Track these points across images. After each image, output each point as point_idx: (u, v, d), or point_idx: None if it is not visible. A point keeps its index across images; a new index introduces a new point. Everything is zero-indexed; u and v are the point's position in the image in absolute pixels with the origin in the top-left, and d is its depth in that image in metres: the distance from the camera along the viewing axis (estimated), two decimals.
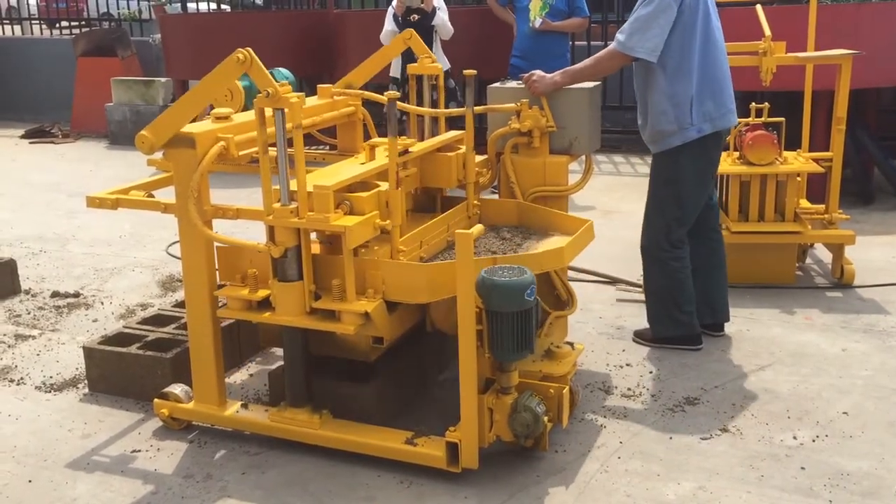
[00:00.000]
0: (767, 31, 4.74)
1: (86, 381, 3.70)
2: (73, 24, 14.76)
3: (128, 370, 3.58)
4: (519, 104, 3.54)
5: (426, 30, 7.01)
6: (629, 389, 3.55)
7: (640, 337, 4.03)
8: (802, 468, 2.96)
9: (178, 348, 3.59)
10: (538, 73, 3.61)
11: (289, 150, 2.84)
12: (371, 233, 2.88)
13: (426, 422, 3.21)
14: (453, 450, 2.87)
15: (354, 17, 8.56)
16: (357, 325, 2.89)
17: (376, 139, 3.36)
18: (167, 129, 2.97)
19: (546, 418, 2.90)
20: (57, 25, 16.14)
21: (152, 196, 3.33)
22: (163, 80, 9.92)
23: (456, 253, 2.71)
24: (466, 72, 3.42)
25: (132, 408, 3.52)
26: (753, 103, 4.85)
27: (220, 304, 3.20)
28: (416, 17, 6.91)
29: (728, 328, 4.10)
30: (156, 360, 3.54)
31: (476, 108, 3.50)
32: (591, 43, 9.39)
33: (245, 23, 8.35)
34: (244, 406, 3.26)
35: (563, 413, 3.00)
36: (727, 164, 4.74)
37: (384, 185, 2.99)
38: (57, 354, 4.05)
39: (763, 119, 4.77)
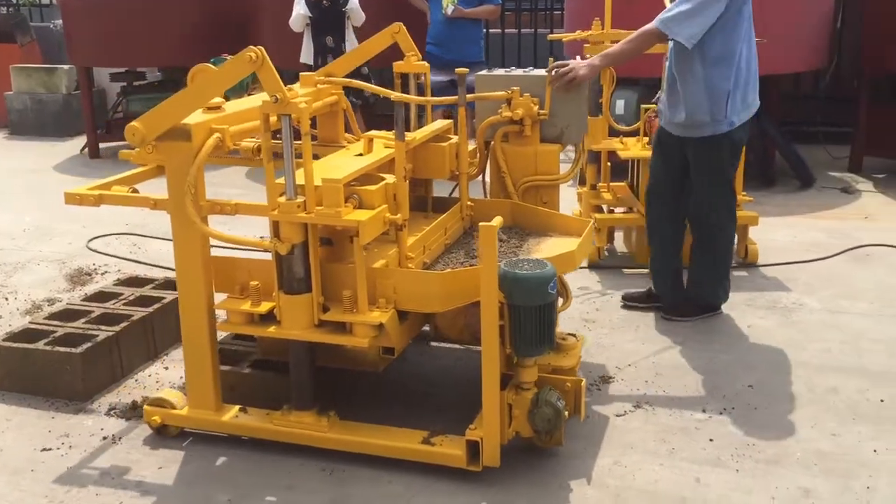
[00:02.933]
0: None
1: None
2: None
3: (35, 367, 3.46)
4: (510, 92, 3.48)
5: (338, 15, 6.95)
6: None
7: (673, 314, 4.10)
8: (711, 440, 3.08)
9: (89, 343, 3.49)
10: (573, 62, 3.58)
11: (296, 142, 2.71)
12: (381, 227, 2.76)
13: (399, 420, 3.08)
14: (473, 448, 2.80)
15: (268, 1, 8.39)
16: (371, 337, 2.77)
17: (374, 132, 3.24)
18: (162, 121, 2.79)
19: (566, 412, 2.86)
20: None
21: (136, 191, 3.14)
22: (65, 67, 9.56)
23: (479, 246, 2.63)
24: (459, 70, 3.32)
25: (41, 405, 3.40)
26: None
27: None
28: (328, 2, 6.83)
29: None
30: (65, 355, 3.43)
31: (468, 95, 3.37)
32: (506, 31, 9.48)
33: (152, 7, 8.07)
34: (243, 410, 3.09)
35: (581, 406, 2.98)
36: (637, 148, 4.87)
37: (390, 178, 2.87)
38: None
39: None
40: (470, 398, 3.25)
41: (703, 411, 3.28)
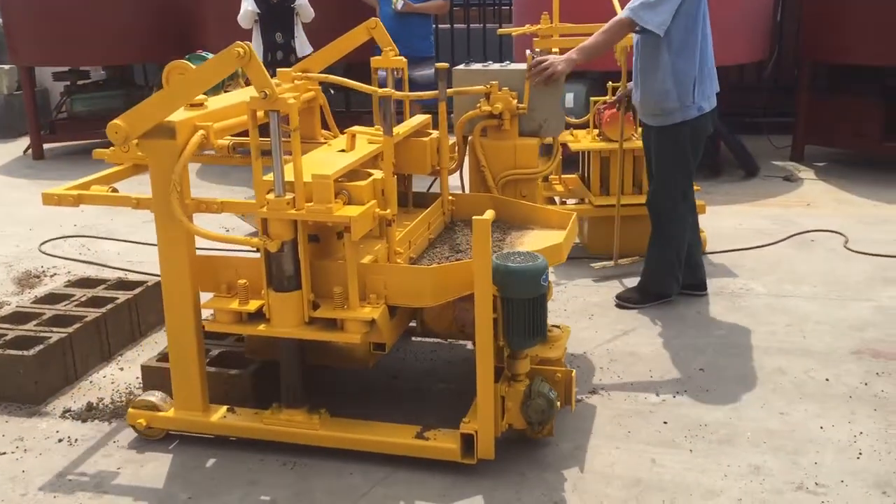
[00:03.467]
0: (620, 13, 4.95)
1: None
2: None
3: None
4: (488, 86, 3.48)
5: (287, 11, 6.91)
6: (462, 356, 3.66)
7: (627, 301, 4.19)
8: (665, 422, 3.16)
9: (41, 345, 3.43)
10: (550, 57, 3.61)
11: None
12: (371, 223, 2.75)
13: (386, 416, 3.08)
14: (467, 441, 2.80)
15: None
16: (363, 333, 2.76)
17: (357, 127, 3.21)
18: (145, 119, 2.73)
19: (558, 403, 2.88)
20: None
21: (116, 190, 3.06)
22: (6, 67, 9.34)
23: (473, 239, 2.62)
24: (439, 64, 3.31)
25: None
26: (610, 82, 5.07)
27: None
28: None
29: (594, 297, 4.31)
30: (17, 358, 3.37)
31: (448, 90, 3.34)
32: (455, 26, 9.52)
33: (94, 4, 7.92)
34: (231, 410, 3.04)
35: (572, 396, 3.00)
36: (587, 140, 4.95)
37: (377, 173, 2.85)
38: None
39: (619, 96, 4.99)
40: (455, 392, 3.33)
41: (657, 395, 3.36)
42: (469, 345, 3.68)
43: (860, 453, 2.92)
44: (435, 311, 3.06)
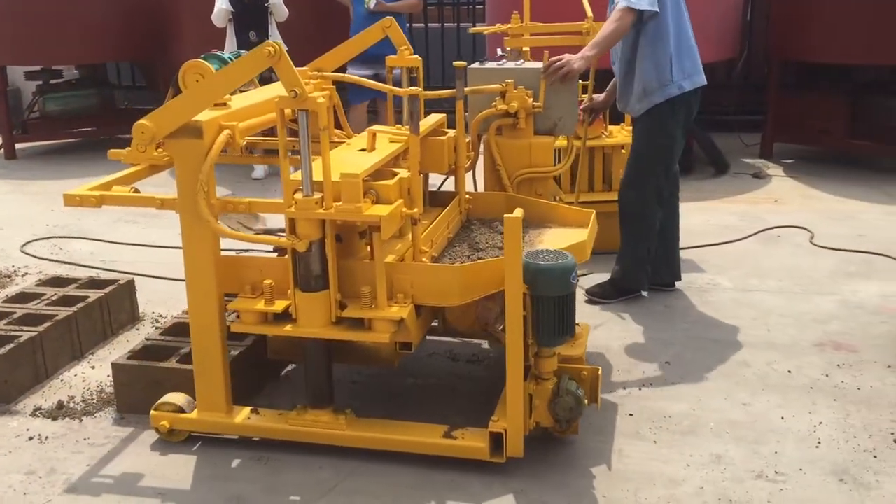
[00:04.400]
0: (589, 13, 5.01)
1: None
2: None
3: None
4: (504, 84, 3.49)
5: (261, 11, 6.93)
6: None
7: (596, 296, 4.24)
8: (631, 414, 3.21)
9: (11, 344, 3.43)
10: (567, 55, 3.64)
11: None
12: (399, 222, 2.75)
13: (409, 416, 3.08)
14: (496, 440, 2.80)
15: None
16: (391, 332, 2.74)
17: (377, 126, 3.20)
18: (173, 119, 2.72)
19: (586, 401, 2.89)
20: None
21: (137, 191, 3.03)
22: None
23: (505, 237, 2.62)
24: (457, 63, 3.28)
25: None
26: (580, 81, 5.11)
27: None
28: None
29: None
30: None
31: (465, 88, 3.33)
32: (429, 25, 9.56)
33: (67, 3, 7.88)
34: (254, 411, 3.03)
35: (598, 394, 3.01)
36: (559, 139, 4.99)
37: (403, 172, 2.85)
38: None
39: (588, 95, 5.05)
40: (473, 391, 3.37)
41: (624, 388, 3.41)
42: (485, 344, 3.72)
43: (819, 442, 2.99)
44: (458, 310, 3.04)
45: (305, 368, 3.00)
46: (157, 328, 3.90)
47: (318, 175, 2.68)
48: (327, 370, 2.97)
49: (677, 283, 4.42)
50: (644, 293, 4.29)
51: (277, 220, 3.25)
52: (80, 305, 3.84)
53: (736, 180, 6.73)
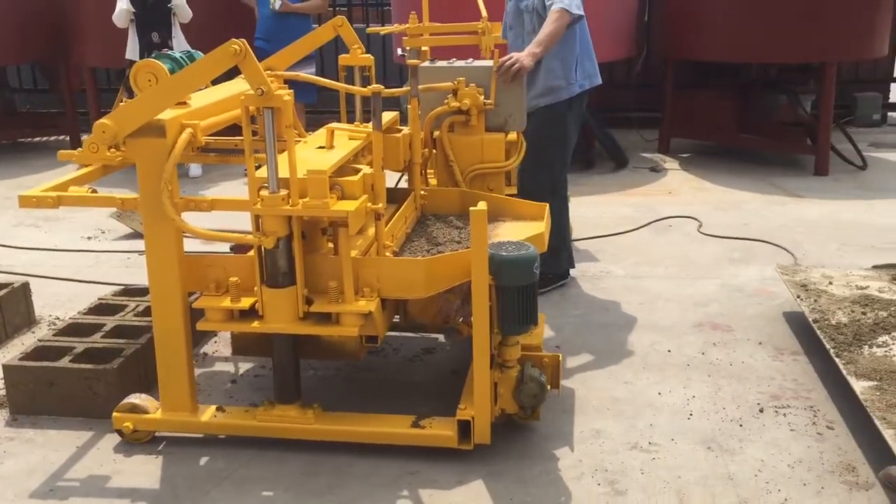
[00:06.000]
0: (484, 13, 5.16)
1: None
2: None
3: None
4: (456, 83, 3.56)
5: (163, 11, 6.88)
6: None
7: None
8: None
9: None
10: (515, 54, 3.75)
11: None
12: (365, 217, 2.80)
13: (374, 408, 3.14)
14: (464, 428, 2.87)
15: None
16: (359, 325, 2.79)
17: (334, 124, 3.23)
18: (135, 118, 2.71)
19: (549, 387, 2.97)
20: None
21: (95, 191, 2.98)
22: None
23: (471, 230, 2.69)
24: (411, 62, 3.36)
25: None
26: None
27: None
28: None
29: None
30: None
31: (420, 87, 3.37)
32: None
33: None
34: (220, 409, 3.04)
35: (559, 380, 3.11)
36: None
37: (365, 168, 2.91)
38: None
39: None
40: (433, 382, 3.45)
41: None
42: (441, 337, 3.80)
43: (691, 414, 3.20)
44: (420, 304, 3.10)
45: (273, 364, 3.03)
46: (52, 330, 3.87)
47: (282, 172, 2.70)
48: (294, 366, 3.01)
49: (571, 272, 4.60)
50: (571, 275, 4.50)
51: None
52: None
53: (634, 174, 7.00)
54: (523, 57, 3.81)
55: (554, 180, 4.30)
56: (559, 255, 4.40)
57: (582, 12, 4.02)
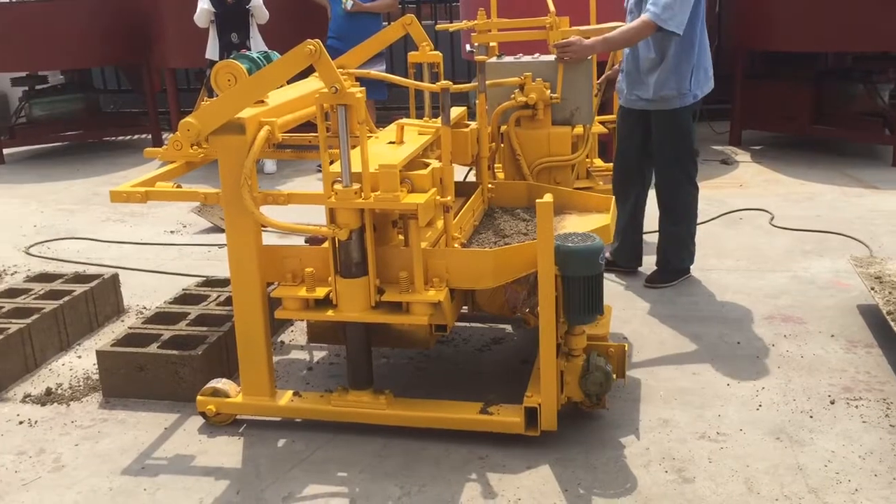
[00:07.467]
0: (552, 8, 5.20)
1: None
2: None
3: None
4: (522, 77, 3.63)
5: (242, 13, 7.11)
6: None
7: (655, 281, 4.37)
8: None
9: (0, 336, 3.61)
10: (573, 38, 3.79)
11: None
12: (434, 210, 2.89)
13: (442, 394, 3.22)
14: (531, 415, 2.93)
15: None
16: (429, 314, 2.89)
17: (404, 119, 3.36)
18: (217, 116, 2.86)
19: (614, 376, 3.03)
20: None
21: (180, 186, 3.15)
22: None
23: (538, 221, 2.76)
24: (479, 58, 3.42)
25: None
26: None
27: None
28: None
29: None
30: None
31: (487, 82, 3.45)
32: None
33: (52, 9, 8.04)
34: (297, 394, 3.18)
35: (625, 370, 3.17)
36: None
37: (434, 162, 3.01)
38: None
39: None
40: (501, 371, 3.54)
41: None
42: (510, 328, 3.90)
43: (760, 405, 3.20)
44: (487, 294, 3.17)
45: (347, 352, 3.15)
46: (140, 318, 4.08)
47: (355, 167, 2.82)
48: (367, 353, 3.12)
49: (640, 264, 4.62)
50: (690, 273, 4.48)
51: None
52: (66, 299, 4.02)
53: (705, 167, 6.89)
54: (580, 49, 3.80)
55: (689, 171, 4.28)
56: (689, 247, 4.40)
57: (677, 30, 3.87)
